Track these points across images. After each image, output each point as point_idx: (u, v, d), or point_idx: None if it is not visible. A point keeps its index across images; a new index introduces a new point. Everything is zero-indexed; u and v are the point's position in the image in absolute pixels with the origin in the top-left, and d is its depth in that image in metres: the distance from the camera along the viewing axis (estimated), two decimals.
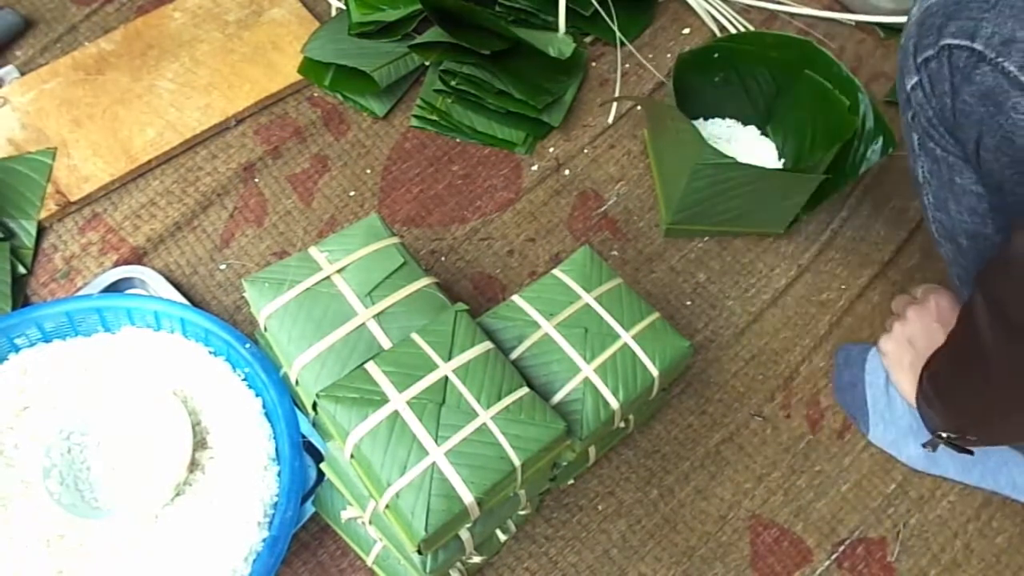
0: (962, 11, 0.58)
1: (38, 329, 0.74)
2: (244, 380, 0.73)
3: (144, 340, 0.75)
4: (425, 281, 0.71)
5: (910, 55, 0.64)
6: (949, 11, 0.59)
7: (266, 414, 0.72)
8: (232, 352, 0.73)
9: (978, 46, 0.57)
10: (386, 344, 0.68)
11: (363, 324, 0.68)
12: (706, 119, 0.99)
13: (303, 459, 0.69)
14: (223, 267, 0.89)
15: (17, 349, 0.74)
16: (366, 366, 0.65)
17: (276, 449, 0.70)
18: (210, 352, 0.74)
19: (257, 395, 0.72)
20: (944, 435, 0.74)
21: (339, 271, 0.70)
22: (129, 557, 0.66)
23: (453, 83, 0.96)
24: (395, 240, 0.74)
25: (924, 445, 0.79)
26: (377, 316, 0.69)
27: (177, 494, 0.68)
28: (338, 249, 0.72)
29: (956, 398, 0.70)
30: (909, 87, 0.65)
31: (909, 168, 0.72)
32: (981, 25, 0.57)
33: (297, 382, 0.68)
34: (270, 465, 0.69)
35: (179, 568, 0.65)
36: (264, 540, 0.66)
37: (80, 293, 0.83)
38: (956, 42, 0.59)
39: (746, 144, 0.97)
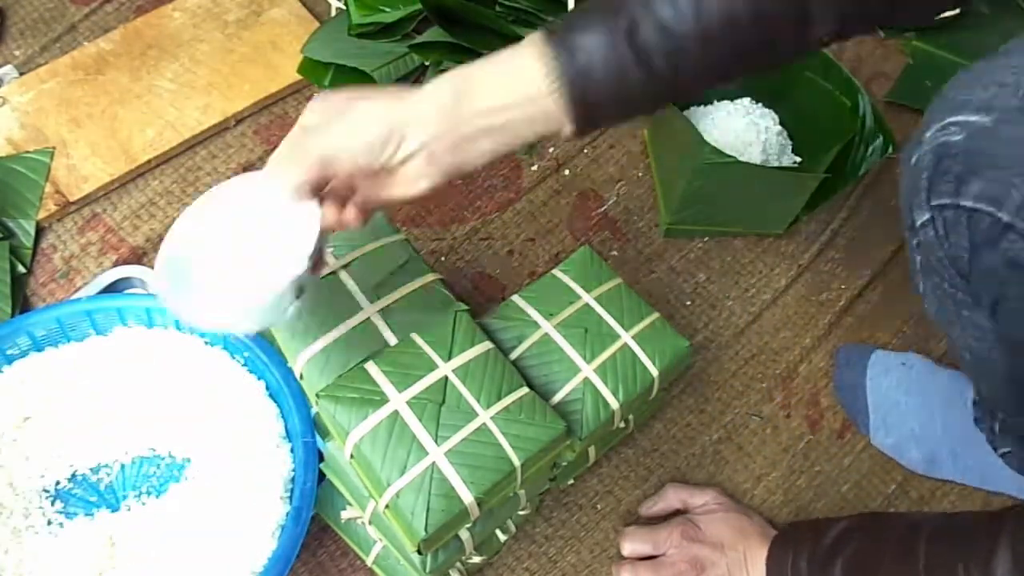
0: (986, 166, 0.49)
1: (29, 338, 0.73)
2: (244, 365, 0.73)
3: (138, 339, 0.75)
4: (430, 277, 0.71)
5: (923, 189, 0.54)
6: (972, 162, 0.50)
7: (271, 395, 0.72)
8: (227, 339, 0.73)
9: (1005, 217, 0.48)
10: (391, 340, 0.67)
11: (368, 319, 0.68)
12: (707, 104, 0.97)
13: (315, 432, 0.69)
14: None
15: (10, 360, 0.73)
16: (366, 366, 0.65)
17: (286, 427, 0.70)
18: (206, 343, 0.74)
19: (260, 378, 0.72)
20: None
21: (344, 266, 0.70)
22: (151, 542, 0.67)
23: None
24: (400, 236, 0.73)
25: None
26: (382, 311, 0.69)
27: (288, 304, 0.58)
28: (343, 244, 0.71)
29: None
30: (919, 222, 0.55)
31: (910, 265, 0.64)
32: (1010, 192, 0.48)
33: (302, 376, 0.68)
34: (282, 443, 0.69)
35: (205, 550, 0.66)
36: (287, 513, 0.66)
37: (79, 293, 0.83)
38: (979, 207, 0.50)
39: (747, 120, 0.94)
